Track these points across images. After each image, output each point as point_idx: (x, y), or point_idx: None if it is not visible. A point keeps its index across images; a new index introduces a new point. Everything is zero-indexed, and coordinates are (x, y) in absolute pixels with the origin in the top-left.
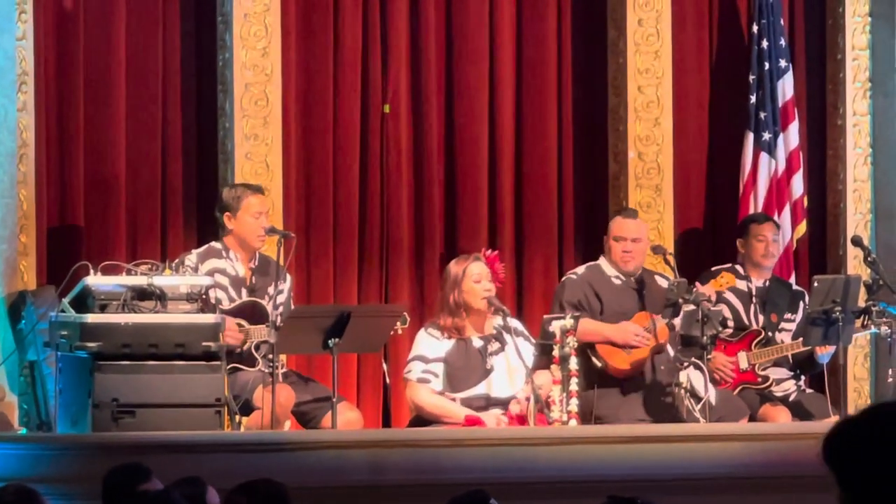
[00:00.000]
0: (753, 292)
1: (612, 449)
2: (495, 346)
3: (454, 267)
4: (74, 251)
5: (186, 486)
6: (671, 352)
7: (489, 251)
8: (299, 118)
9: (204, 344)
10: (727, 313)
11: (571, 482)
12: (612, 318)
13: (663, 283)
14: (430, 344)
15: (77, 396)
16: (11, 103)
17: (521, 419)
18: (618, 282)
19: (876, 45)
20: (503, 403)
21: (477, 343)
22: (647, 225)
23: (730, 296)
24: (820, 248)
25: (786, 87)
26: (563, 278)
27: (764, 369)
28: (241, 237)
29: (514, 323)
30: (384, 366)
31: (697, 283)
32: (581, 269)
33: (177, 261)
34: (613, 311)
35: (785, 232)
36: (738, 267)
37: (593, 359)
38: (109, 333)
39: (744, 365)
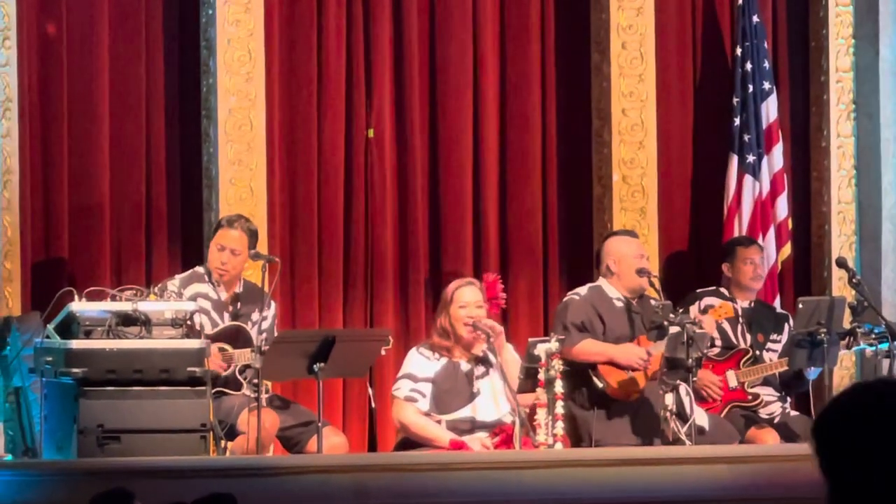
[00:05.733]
0: (740, 312)
1: (598, 472)
2: (480, 369)
3: (447, 289)
4: (59, 277)
5: None
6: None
7: (490, 275)
8: (283, 143)
9: (189, 369)
10: (715, 333)
11: None
12: (612, 340)
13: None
14: (420, 363)
15: (62, 422)
16: None
17: (507, 442)
18: (619, 304)
19: (859, 67)
20: (488, 427)
21: (465, 367)
22: None
23: None
24: (804, 269)
25: (770, 110)
26: (566, 298)
27: (753, 387)
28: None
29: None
30: (369, 390)
31: (691, 310)
32: (583, 290)
33: (160, 286)
34: (614, 334)
35: (770, 254)
36: (722, 290)
37: (595, 379)
38: (94, 359)
39: (733, 383)
